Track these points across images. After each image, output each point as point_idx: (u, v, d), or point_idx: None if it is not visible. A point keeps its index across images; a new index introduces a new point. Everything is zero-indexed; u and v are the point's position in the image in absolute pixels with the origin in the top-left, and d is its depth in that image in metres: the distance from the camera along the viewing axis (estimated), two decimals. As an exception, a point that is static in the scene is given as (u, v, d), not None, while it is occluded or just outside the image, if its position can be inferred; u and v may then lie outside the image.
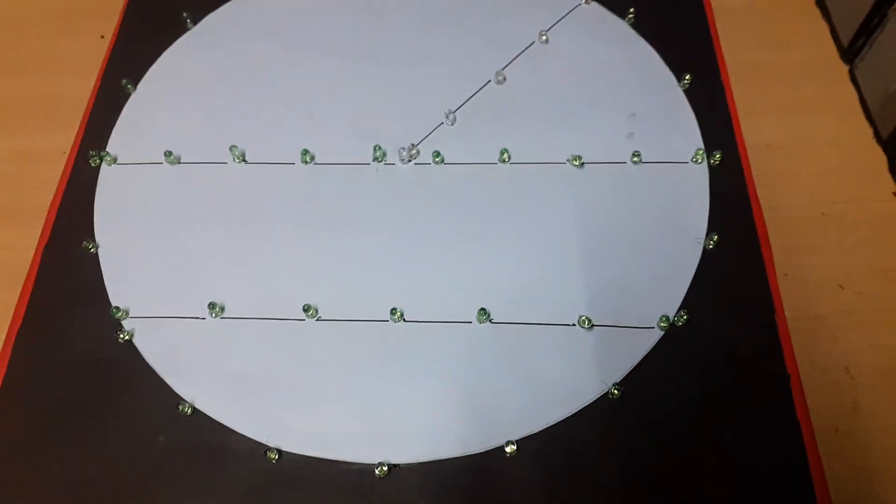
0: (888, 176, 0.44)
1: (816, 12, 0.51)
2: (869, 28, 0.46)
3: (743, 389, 0.35)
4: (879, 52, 0.45)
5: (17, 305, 0.39)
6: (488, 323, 0.37)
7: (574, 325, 0.37)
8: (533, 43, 0.47)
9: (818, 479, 0.32)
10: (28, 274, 0.40)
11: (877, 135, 0.45)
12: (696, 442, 0.33)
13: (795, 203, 0.43)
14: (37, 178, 0.45)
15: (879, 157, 0.44)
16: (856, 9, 0.46)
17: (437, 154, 0.42)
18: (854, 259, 0.41)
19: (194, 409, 0.35)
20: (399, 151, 0.39)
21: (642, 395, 0.35)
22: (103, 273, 0.39)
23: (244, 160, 0.43)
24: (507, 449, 0.33)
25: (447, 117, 0.43)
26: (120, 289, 0.39)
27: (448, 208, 0.41)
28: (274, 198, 0.42)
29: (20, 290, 0.39)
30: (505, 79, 0.45)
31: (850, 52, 0.48)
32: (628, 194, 0.41)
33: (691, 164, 0.42)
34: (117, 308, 0.38)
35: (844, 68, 0.48)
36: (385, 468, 0.33)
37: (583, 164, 0.42)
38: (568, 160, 0.42)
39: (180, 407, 0.35)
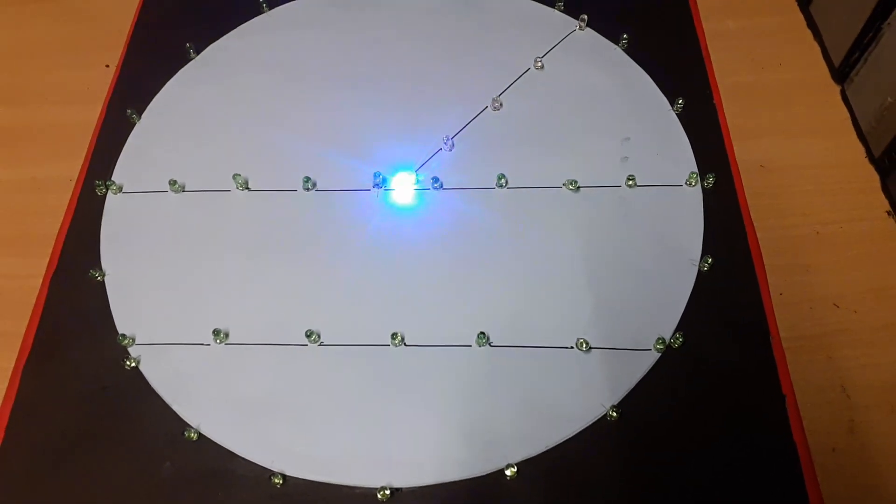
0: (881, 195, 0.44)
1: (808, 34, 0.52)
2: (863, 43, 0.46)
3: (739, 410, 0.35)
4: (873, 67, 0.45)
5: (25, 334, 0.40)
6: (487, 346, 0.37)
7: (572, 347, 0.37)
8: (528, 69, 0.48)
9: (815, 500, 0.33)
10: (35, 303, 0.41)
11: (869, 154, 0.46)
12: (693, 463, 0.34)
13: (789, 223, 0.43)
14: (43, 207, 0.46)
15: (872, 176, 0.45)
16: (847, 29, 0.47)
17: (435, 180, 0.43)
18: (848, 278, 0.41)
19: (200, 435, 0.36)
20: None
21: (640, 416, 0.35)
22: (110, 301, 0.40)
23: (247, 188, 0.44)
24: (507, 472, 0.34)
25: (445, 143, 0.44)
26: (126, 316, 0.40)
27: (447, 233, 0.42)
28: (276, 224, 0.43)
29: (28, 319, 0.40)
30: (501, 105, 0.46)
31: (841, 72, 0.49)
32: (623, 218, 0.41)
33: (685, 186, 0.42)
34: (124, 335, 0.39)
35: (836, 89, 0.49)
36: (388, 492, 0.34)
37: (578, 188, 0.42)
38: (564, 184, 0.42)
39: (186, 433, 0.36)
